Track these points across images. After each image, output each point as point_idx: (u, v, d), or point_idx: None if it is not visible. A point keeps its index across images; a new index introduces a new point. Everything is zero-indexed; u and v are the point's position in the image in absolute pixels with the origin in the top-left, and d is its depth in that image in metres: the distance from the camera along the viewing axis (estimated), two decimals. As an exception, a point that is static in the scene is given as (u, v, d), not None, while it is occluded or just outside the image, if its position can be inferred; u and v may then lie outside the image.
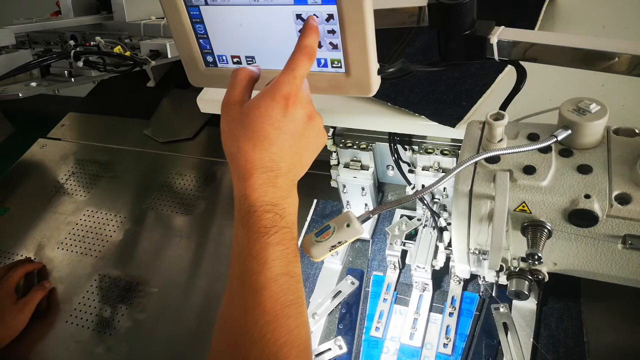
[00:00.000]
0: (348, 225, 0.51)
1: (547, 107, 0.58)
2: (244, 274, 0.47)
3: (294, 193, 0.51)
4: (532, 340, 0.73)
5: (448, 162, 0.80)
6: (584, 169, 0.52)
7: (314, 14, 0.49)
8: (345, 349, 0.78)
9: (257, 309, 0.45)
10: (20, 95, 0.88)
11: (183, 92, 1.35)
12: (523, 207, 0.53)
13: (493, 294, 0.77)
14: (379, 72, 0.53)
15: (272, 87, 0.48)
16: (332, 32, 0.50)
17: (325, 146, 0.85)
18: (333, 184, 0.92)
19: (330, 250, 0.52)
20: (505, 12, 0.80)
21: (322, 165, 0.78)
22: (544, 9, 0.84)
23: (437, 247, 0.79)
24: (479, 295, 0.80)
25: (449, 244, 0.78)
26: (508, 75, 0.73)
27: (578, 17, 0.87)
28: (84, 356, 0.86)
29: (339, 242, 0.52)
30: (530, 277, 0.60)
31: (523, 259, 0.59)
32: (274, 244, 0.47)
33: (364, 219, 0.52)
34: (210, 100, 0.85)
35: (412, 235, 0.85)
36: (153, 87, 1.39)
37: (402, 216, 0.91)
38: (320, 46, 0.51)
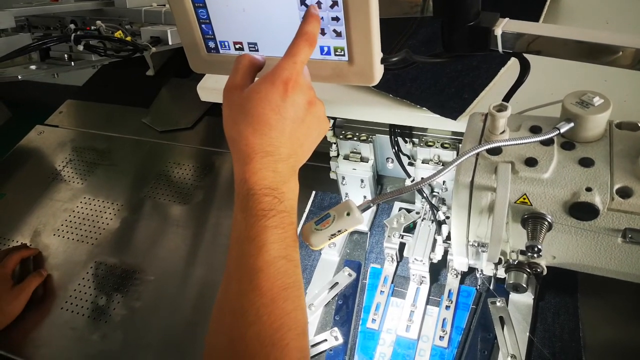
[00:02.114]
0: (348, 214, 0.51)
1: (550, 100, 0.58)
2: (241, 257, 0.47)
3: (294, 179, 0.51)
4: (528, 334, 0.73)
5: (448, 155, 0.80)
6: (586, 162, 0.52)
7: (318, 1, 0.49)
8: (341, 340, 0.78)
9: (254, 291, 0.45)
10: (19, 77, 0.87)
11: (183, 81, 1.34)
12: (524, 199, 0.53)
13: (490, 288, 0.77)
14: (382, 61, 0.53)
15: (272, 72, 0.48)
16: (336, 19, 0.50)
17: (325, 137, 0.85)
18: (332, 175, 0.92)
19: (329, 239, 0.52)
20: (508, 6, 0.79)
21: (321, 157, 0.78)
22: (547, 4, 0.83)
23: (435, 240, 0.79)
24: (476, 288, 0.80)
25: (447, 237, 0.78)
26: (510, 69, 0.73)
27: (581, 13, 0.87)
28: (79, 343, 0.86)
29: (339, 231, 0.51)
30: (528, 270, 0.60)
31: (522, 252, 0.59)
32: (271, 227, 0.47)
33: (364, 208, 0.52)
34: (210, 89, 0.84)
35: (410, 228, 0.85)
36: (152, 76, 1.38)
37: (400, 209, 0.91)
38: (323, 33, 0.51)
